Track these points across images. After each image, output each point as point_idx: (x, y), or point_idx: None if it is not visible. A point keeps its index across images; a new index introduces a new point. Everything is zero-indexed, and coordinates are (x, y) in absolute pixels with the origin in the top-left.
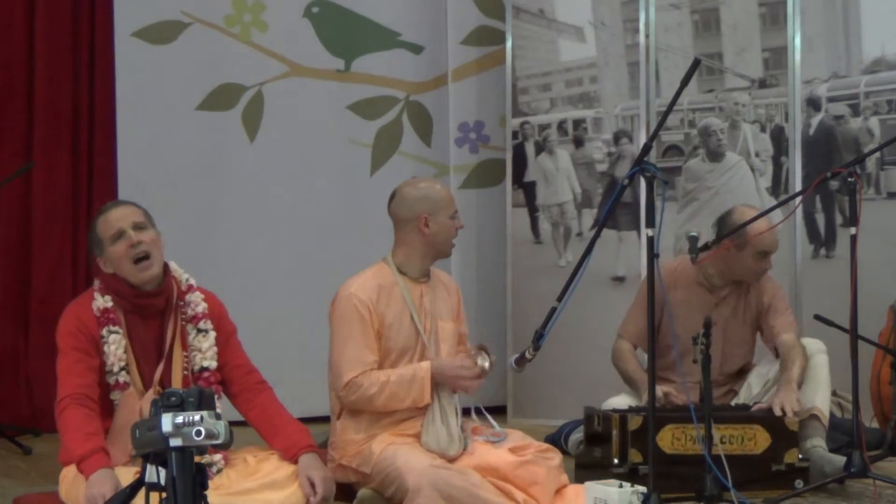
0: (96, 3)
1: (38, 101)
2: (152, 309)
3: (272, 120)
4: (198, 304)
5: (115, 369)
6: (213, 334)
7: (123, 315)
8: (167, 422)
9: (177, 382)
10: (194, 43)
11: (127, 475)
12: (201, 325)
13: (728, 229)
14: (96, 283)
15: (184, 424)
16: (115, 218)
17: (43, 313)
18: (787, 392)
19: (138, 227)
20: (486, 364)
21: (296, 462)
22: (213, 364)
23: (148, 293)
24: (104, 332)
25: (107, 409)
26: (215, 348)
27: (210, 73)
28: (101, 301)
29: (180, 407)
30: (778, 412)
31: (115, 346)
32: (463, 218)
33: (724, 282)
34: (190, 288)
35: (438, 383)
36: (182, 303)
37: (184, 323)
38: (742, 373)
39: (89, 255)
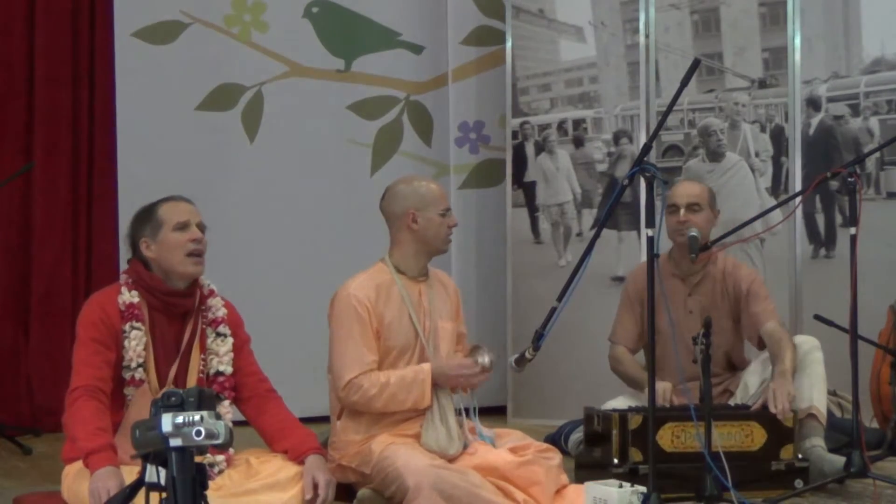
0: (96, 3)
1: (38, 101)
2: (180, 309)
3: (272, 120)
4: (218, 308)
5: (133, 365)
6: (230, 340)
7: (148, 312)
8: (167, 422)
9: (192, 383)
10: (194, 43)
11: (132, 474)
12: (220, 329)
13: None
14: (123, 277)
15: (184, 424)
16: (185, 210)
17: (43, 313)
18: (781, 383)
19: (201, 228)
20: (486, 361)
21: (301, 462)
22: (229, 369)
23: (178, 293)
24: (126, 326)
25: (118, 404)
26: (232, 354)
27: (210, 73)
28: (128, 296)
29: (180, 407)
30: (771, 405)
31: (136, 342)
32: (463, 218)
33: (694, 266)
34: (211, 293)
35: (438, 384)
36: (204, 307)
37: (204, 326)
38: (733, 368)
39: (132, 238)
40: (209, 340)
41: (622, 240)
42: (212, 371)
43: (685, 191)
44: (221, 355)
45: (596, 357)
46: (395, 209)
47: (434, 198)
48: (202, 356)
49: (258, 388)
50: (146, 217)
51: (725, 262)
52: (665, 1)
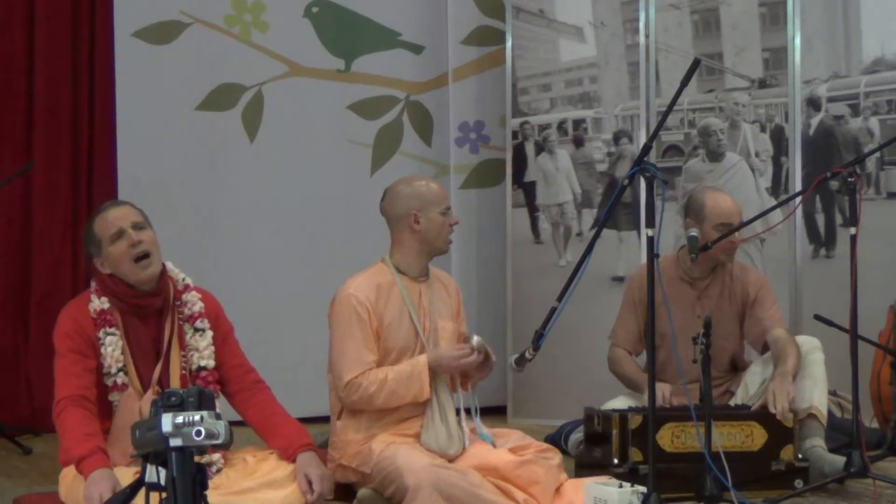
0: (96, 3)
1: (38, 101)
2: (150, 309)
3: (272, 120)
4: (194, 303)
5: (113, 370)
6: (210, 333)
7: (121, 316)
8: (167, 422)
9: (175, 382)
10: (194, 43)
11: (127, 476)
12: (198, 324)
13: (692, 210)
14: (93, 284)
15: (184, 424)
16: (115, 217)
17: (43, 313)
18: (781, 383)
19: (137, 227)
20: (476, 341)
21: (293, 461)
22: (211, 363)
23: (146, 293)
24: (101, 333)
25: (105, 411)
26: (212, 347)
27: (210, 73)
28: (98, 303)
29: (180, 407)
30: (771, 406)
31: (112, 347)
32: (463, 218)
33: (703, 271)
34: (186, 287)
35: (437, 382)
36: (179, 302)
37: (181, 322)
38: (735, 369)
39: (87, 256)
40: (188, 337)
41: (622, 240)
42: (193, 367)
43: (737, 208)
44: (202, 350)
45: (596, 357)
46: (396, 210)
47: (435, 198)
48: (182, 353)
49: (244, 380)
50: (88, 238)
51: (734, 267)
52: (665, 1)
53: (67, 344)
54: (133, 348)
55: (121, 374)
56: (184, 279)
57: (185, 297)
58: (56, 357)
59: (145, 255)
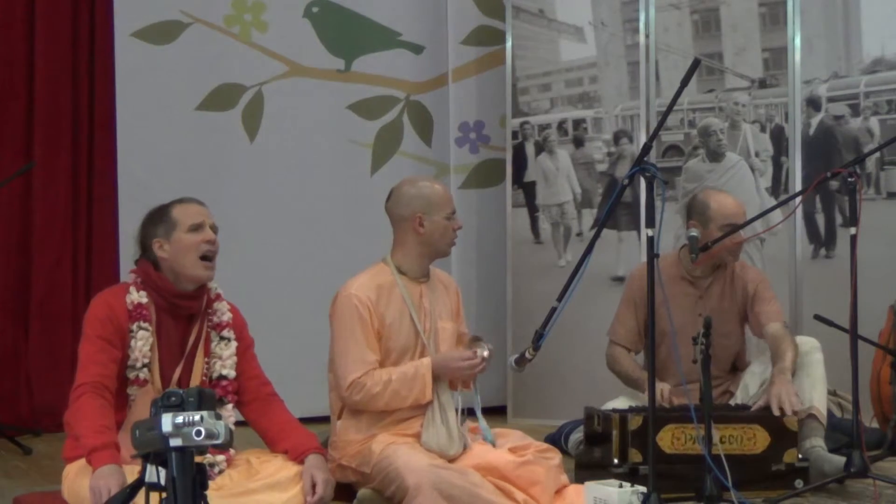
0: (96, 3)
1: (38, 101)
2: (185, 311)
3: (272, 120)
4: (223, 312)
5: (138, 365)
6: (234, 344)
7: (155, 313)
8: (167, 422)
9: (195, 386)
10: (194, 43)
11: (135, 473)
12: (225, 333)
13: (696, 212)
14: (132, 276)
15: (183, 424)
16: (199, 211)
17: (43, 313)
18: (784, 386)
19: (215, 230)
20: (486, 353)
21: (301, 462)
22: (232, 373)
23: (187, 294)
24: (134, 326)
25: (120, 403)
26: (235, 358)
27: (210, 73)
28: (136, 296)
29: (180, 407)
30: (776, 410)
31: (143, 342)
32: (463, 218)
33: (705, 270)
34: (218, 297)
35: (438, 382)
36: (210, 310)
37: (209, 329)
38: (735, 370)
39: (143, 239)
40: (213, 344)
41: (622, 240)
42: (215, 374)
43: (741, 209)
44: (225, 359)
45: (596, 357)
46: (401, 212)
47: (441, 201)
48: (206, 359)
49: (260, 391)
50: (159, 217)
51: (734, 265)
52: (665, 1)
53: (98, 330)
54: (161, 346)
55: (144, 369)
56: (216, 289)
57: (216, 305)
58: (83, 340)
59: (212, 257)
